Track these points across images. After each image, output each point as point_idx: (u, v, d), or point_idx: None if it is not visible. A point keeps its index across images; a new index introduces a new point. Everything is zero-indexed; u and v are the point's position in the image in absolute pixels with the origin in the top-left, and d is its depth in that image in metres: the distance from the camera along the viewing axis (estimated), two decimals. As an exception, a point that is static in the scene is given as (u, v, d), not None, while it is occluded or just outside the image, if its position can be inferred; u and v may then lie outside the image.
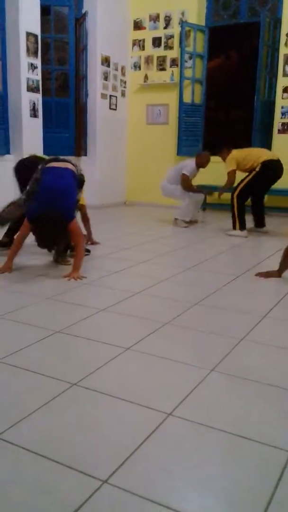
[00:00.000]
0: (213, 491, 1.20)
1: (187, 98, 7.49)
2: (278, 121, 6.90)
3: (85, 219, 4.29)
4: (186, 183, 5.63)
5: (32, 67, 5.88)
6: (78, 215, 3.70)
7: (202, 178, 6.26)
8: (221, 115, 9.97)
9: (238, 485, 1.21)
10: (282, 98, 6.85)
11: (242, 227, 5.14)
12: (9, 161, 5.45)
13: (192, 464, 1.30)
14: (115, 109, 7.73)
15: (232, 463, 1.30)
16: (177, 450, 1.35)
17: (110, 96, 7.55)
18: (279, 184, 5.40)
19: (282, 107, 6.85)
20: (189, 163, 5.67)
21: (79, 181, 3.58)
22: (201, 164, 5.69)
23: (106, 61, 7.33)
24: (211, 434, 1.43)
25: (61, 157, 3.64)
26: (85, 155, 7.33)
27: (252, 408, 1.60)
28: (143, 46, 7.79)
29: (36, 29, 5.87)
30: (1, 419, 1.50)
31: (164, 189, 5.86)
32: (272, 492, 1.18)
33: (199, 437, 1.42)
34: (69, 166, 3.50)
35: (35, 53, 5.89)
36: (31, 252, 3.83)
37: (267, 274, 3.35)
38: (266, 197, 7.05)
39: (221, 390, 1.72)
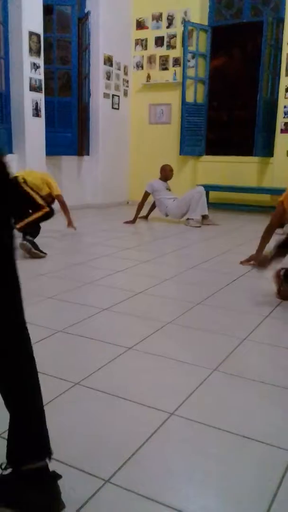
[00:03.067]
0: (215, 491, 1.20)
1: (189, 98, 7.48)
2: (280, 120, 6.89)
3: (64, 207, 4.50)
4: (141, 199, 5.87)
5: (35, 66, 5.89)
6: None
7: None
8: (223, 115, 9.96)
9: (240, 485, 1.21)
10: (285, 98, 6.84)
11: None
12: (12, 161, 5.46)
13: (195, 463, 1.30)
14: (118, 109, 7.72)
15: (235, 463, 1.30)
16: (179, 450, 1.35)
17: (113, 95, 7.55)
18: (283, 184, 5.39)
19: (285, 107, 6.84)
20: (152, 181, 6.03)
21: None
22: (165, 176, 6.01)
23: (108, 60, 7.33)
24: (213, 433, 1.43)
25: None
26: (88, 154, 7.33)
27: (254, 408, 1.60)
28: (146, 46, 7.79)
29: (39, 29, 5.88)
30: (4, 417, 1.50)
31: (174, 213, 5.93)
32: (275, 492, 1.18)
33: (202, 436, 1.42)
34: None
35: (37, 53, 5.89)
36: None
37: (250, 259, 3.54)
38: (269, 196, 7.08)
39: (223, 390, 1.72)
